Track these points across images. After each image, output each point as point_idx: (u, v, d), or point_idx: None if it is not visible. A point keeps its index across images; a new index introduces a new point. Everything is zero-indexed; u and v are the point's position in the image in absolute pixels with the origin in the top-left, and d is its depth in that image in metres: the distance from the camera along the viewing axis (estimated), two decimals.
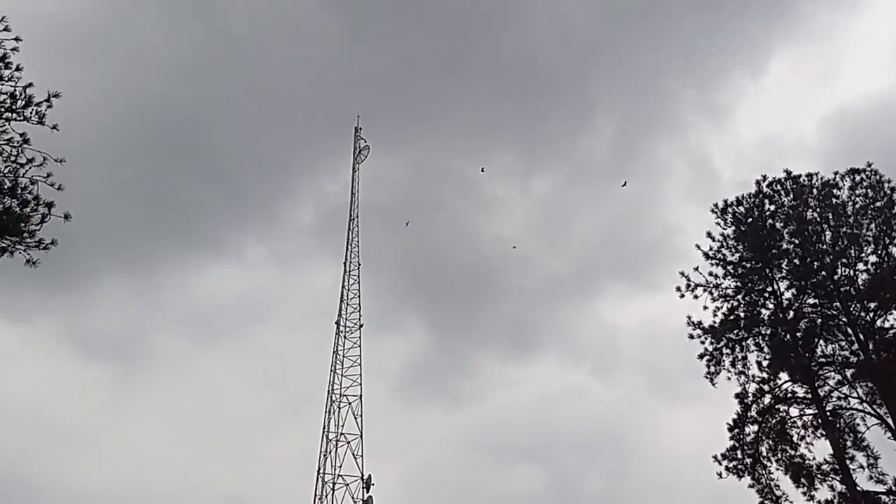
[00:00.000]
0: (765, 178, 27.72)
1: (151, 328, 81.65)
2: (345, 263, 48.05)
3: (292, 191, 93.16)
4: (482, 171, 59.91)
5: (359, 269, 47.96)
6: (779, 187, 27.43)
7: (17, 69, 14.84)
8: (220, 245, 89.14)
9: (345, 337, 45.11)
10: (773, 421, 26.25)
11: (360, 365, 44.23)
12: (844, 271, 25.74)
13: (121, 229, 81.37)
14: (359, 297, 46.92)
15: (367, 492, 40.52)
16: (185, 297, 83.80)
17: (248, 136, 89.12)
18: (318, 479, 40.66)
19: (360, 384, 43.63)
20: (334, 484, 40.63)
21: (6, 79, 14.70)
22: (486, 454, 76.66)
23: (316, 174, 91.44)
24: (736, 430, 26.13)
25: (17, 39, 14.76)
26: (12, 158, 14.74)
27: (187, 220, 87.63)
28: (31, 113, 14.78)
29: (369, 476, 40.83)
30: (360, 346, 44.89)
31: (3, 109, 14.61)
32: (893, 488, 23.84)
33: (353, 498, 40.28)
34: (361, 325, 45.73)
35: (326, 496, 40.19)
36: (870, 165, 26.42)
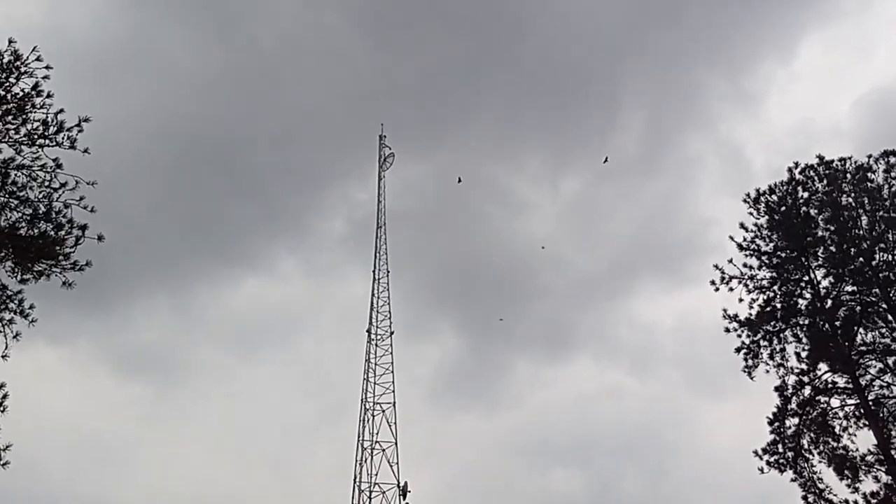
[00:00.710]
0: (797, 164, 27.28)
1: (188, 343, 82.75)
2: (373, 271, 48.21)
3: (323, 202, 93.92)
4: (458, 181, 58.60)
5: (388, 276, 48.08)
6: (812, 174, 26.94)
7: (49, 96, 15.10)
8: (253, 259, 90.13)
9: (376, 345, 45.22)
10: (814, 413, 25.81)
11: (392, 372, 44.33)
12: (883, 256, 25.22)
13: (155, 248, 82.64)
14: (389, 304, 47.04)
15: (404, 499, 40.53)
16: (219, 311, 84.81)
17: (277, 149, 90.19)
18: (354, 487, 40.78)
19: (393, 391, 43.74)
20: (371, 492, 40.71)
21: (38, 106, 14.95)
22: (523, 458, 76.34)
23: (345, 184, 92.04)
24: (776, 424, 25.74)
25: (48, 68, 15.04)
26: (46, 183, 15.01)
27: (220, 236, 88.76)
28: (63, 138, 15.04)
29: (405, 483, 40.84)
30: (391, 353, 44.99)
31: (36, 136, 14.86)
32: None
33: None
34: (392, 333, 45.82)
35: None
36: None
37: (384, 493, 40.64)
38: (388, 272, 48.21)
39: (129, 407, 77.11)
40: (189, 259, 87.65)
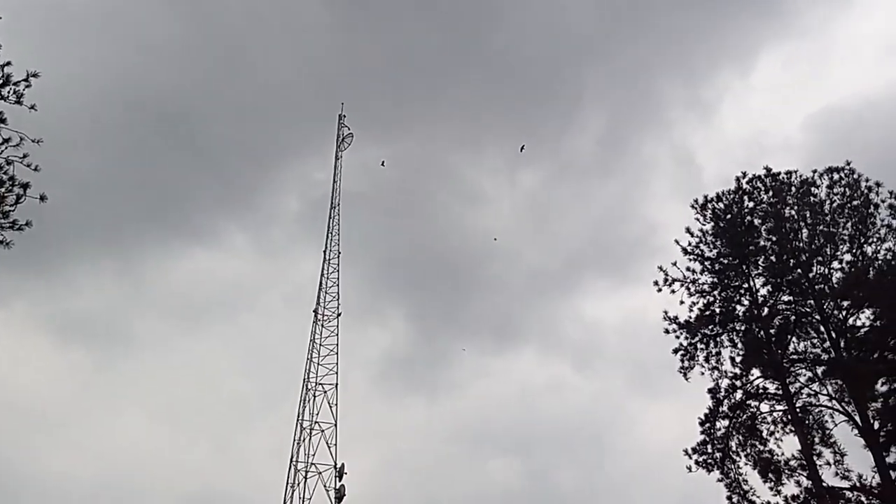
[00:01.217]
0: (745, 174, 27.95)
1: (131, 312, 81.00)
2: (324, 252, 47.82)
3: (279, 179, 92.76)
4: (382, 164, 58.41)
5: (339, 257, 47.76)
6: (759, 184, 27.66)
7: None
8: (203, 231, 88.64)
9: (322, 326, 44.94)
10: (744, 416, 26.55)
11: (336, 354, 44.12)
12: (819, 269, 26.08)
13: (102, 213, 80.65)
14: (338, 286, 46.76)
15: (340, 480, 40.48)
16: (166, 281, 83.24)
17: (236, 122, 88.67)
18: (290, 466, 40.56)
19: (337, 373, 43.54)
20: (307, 472, 40.54)
21: None
22: (464, 446, 76.99)
23: (303, 162, 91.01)
24: (707, 425, 26.40)
25: None
26: None
27: (171, 206, 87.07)
28: (8, 92, 14.51)
29: (342, 465, 40.78)
30: (337, 335, 44.77)
31: None
32: (858, 484, 24.25)
33: (325, 486, 40.23)
34: (339, 315, 45.59)
35: (298, 484, 40.10)
36: (848, 164, 26.75)
37: (320, 473, 40.51)
38: (340, 253, 47.94)
39: (67, 374, 75.41)
40: (137, 227, 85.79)
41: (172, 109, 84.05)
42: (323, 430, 41.75)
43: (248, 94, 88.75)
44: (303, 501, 39.61)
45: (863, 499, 24.33)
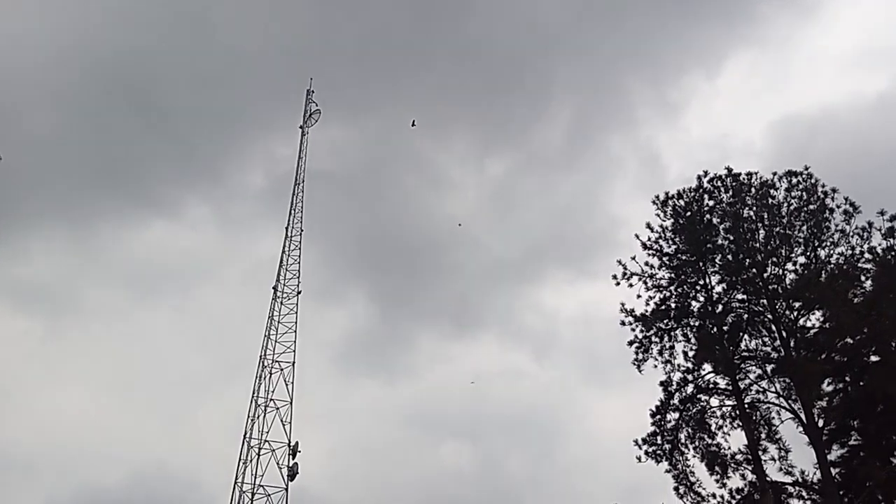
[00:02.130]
0: (706, 173, 28.31)
1: (86, 281, 79.49)
2: (286, 228, 47.31)
3: (243, 152, 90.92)
4: (413, 124, 57.66)
5: (301, 235, 47.28)
6: (719, 184, 28.03)
7: None
8: (162, 202, 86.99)
9: (281, 303, 44.55)
10: (694, 410, 27.08)
11: (295, 332, 43.83)
12: (774, 270, 26.58)
13: (57, 179, 78.81)
14: (299, 263, 46.36)
15: (293, 458, 40.39)
16: (122, 251, 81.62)
17: (200, 92, 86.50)
18: (244, 443, 40.33)
19: (294, 351, 43.28)
20: (260, 449, 40.35)
21: None
22: (418, 429, 77.30)
23: (269, 137, 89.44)
24: (658, 417, 26.88)
25: None
26: None
27: (129, 175, 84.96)
28: None
29: (296, 443, 40.64)
30: (296, 313, 44.45)
31: None
32: (800, 480, 24.99)
33: (278, 464, 40.09)
34: (300, 293, 45.23)
35: (252, 461, 39.91)
36: (807, 169, 27.27)
37: (274, 451, 40.33)
38: (302, 231, 47.47)
39: (16, 341, 73.68)
40: (93, 193, 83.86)
41: (133, 74, 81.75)
42: (278, 408, 41.54)
43: (214, 62, 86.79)
44: (255, 478, 39.47)
45: (804, 494, 25.09)
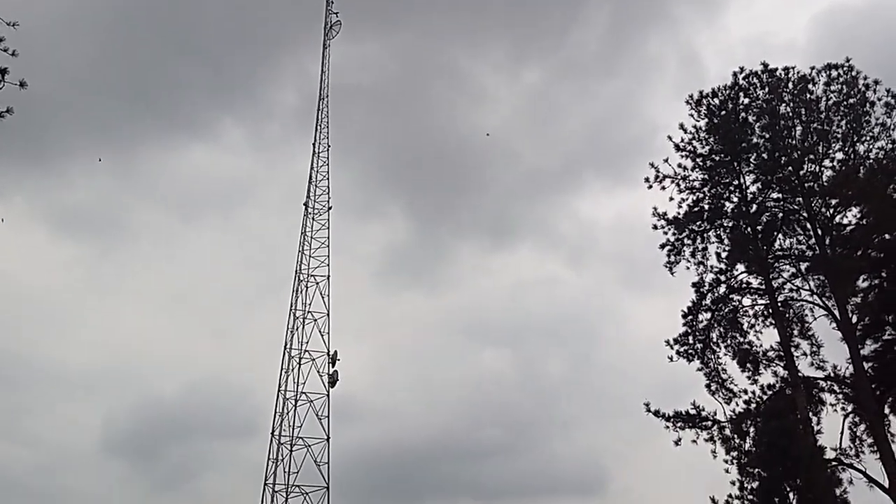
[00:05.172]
0: (742, 70, 27.39)
1: (130, 206, 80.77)
2: (313, 144, 47.28)
3: (276, 70, 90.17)
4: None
5: (328, 150, 47.25)
6: (755, 80, 27.16)
7: None
8: (198, 125, 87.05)
9: (313, 219, 45.08)
10: (726, 309, 27.23)
11: (328, 247, 44.53)
12: (810, 167, 26.09)
13: (96, 106, 78.91)
14: (328, 179, 46.57)
15: (333, 366, 41.78)
16: (163, 176, 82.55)
17: (231, 10, 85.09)
18: (284, 353, 41.72)
19: (328, 265, 44.09)
20: (301, 359, 41.72)
21: None
22: (459, 337, 79.20)
23: (301, 53, 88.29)
24: (690, 318, 27.10)
25: None
26: None
27: (166, 98, 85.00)
28: None
29: (335, 352, 41.98)
30: (328, 227, 45.00)
31: None
32: (832, 374, 25.29)
33: (318, 372, 41.54)
34: (330, 208, 45.64)
35: (293, 370, 41.40)
36: (848, 61, 26.25)
37: (314, 360, 41.73)
38: (329, 146, 47.37)
39: (67, 267, 75.95)
40: (131, 119, 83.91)
41: None
42: (316, 320, 42.70)
43: None
44: (297, 386, 41.03)
45: (836, 388, 25.41)
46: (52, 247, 77.93)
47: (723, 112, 27.41)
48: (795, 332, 25.96)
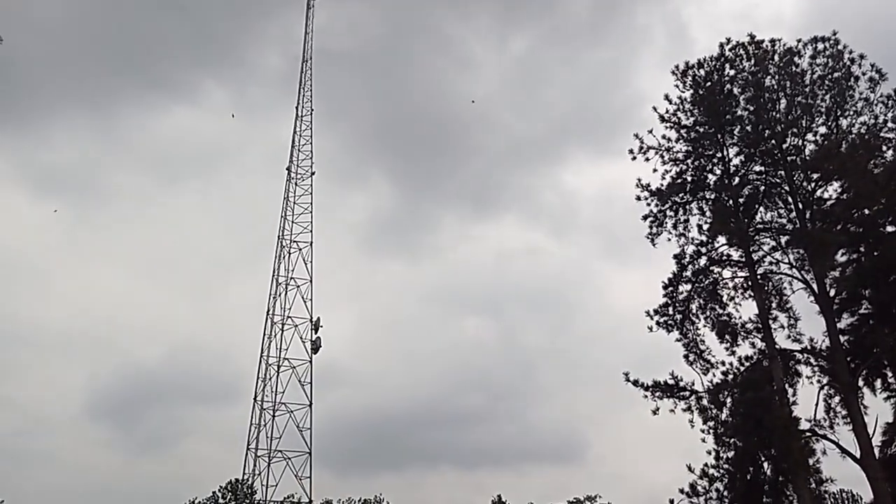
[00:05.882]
0: (728, 41, 27.22)
1: (109, 167, 79.96)
2: (296, 108, 46.73)
3: (260, 32, 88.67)
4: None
5: (311, 114, 46.75)
6: (742, 52, 26.96)
7: None
8: (181, 87, 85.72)
9: (296, 184, 44.72)
10: (707, 281, 27.42)
11: (311, 213, 44.25)
12: (794, 141, 26.12)
13: (75, 65, 77.59)
14: (311, 144, 46.11)
15: (316, 333, 41.85)
16: (143, 137, 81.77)
17: None
18: (267, 319, 41.70)
19: (311, 231, 43.87)
20: (283, 324, 41.73)
21: None
22: (441, 305, 79.66)
23: (287, 15, 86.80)
24: (670, 289, 27.27)
25: None
26: None
27: (147, 58, 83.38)
28: None
29: (318, 319, 42.03)
30: (311, 193, 44.67)
31: None
32: (808, 347, 25.60)
33: (301, 338, 41.62)
34: (313, 174, 45.27)
35: (276, 336, 41.42)
36: (834, 34, 26.17)
37: (296, 326, 41.78)
38: (313, 111, 46.91)
39: (47, 227, 75.20)
40: (112, 78, 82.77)
41: None
42: (298, 286, 42.66)
43: None
44: (280, 351, 41.09)
45: (812, 360, 25.77)
46: (29, 206, 77.10)
47: (708, 83, 27.28)
48: (774, 305, 26.17)
